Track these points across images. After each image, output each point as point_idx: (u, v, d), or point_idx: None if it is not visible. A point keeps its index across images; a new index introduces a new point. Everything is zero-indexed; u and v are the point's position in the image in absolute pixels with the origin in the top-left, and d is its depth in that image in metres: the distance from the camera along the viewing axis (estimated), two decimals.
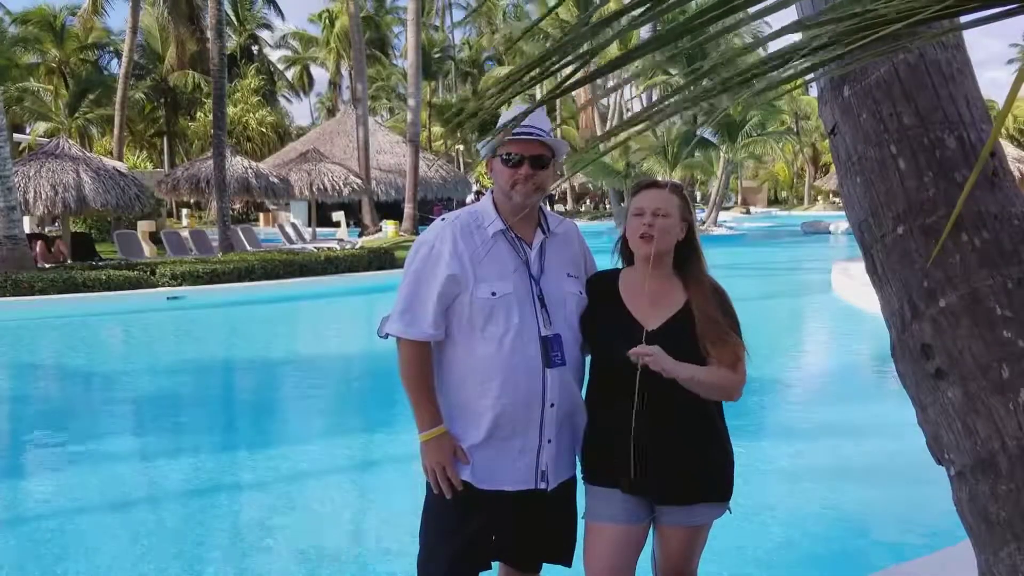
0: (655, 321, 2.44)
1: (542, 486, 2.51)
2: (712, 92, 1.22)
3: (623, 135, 1.27)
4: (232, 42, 44.37)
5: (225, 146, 20.02)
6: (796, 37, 1.25)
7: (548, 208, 2.73)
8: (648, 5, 1.23)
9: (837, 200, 48.29)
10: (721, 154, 34.21)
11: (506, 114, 2.70)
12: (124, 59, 32.49)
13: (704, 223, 34.61)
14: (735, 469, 2.52)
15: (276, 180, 25.50)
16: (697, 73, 1.26)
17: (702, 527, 2.50)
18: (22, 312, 13.35)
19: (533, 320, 2.47)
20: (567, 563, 2.66)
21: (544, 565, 2.71)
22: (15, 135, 31.96)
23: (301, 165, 28.88)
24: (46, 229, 23.50)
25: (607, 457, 2.48)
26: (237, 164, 23.94)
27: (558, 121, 50.69)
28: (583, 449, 2.57)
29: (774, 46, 1.28)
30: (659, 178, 2.87)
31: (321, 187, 28.04)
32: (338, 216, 29.98)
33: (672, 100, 1.27)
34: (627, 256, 2.59)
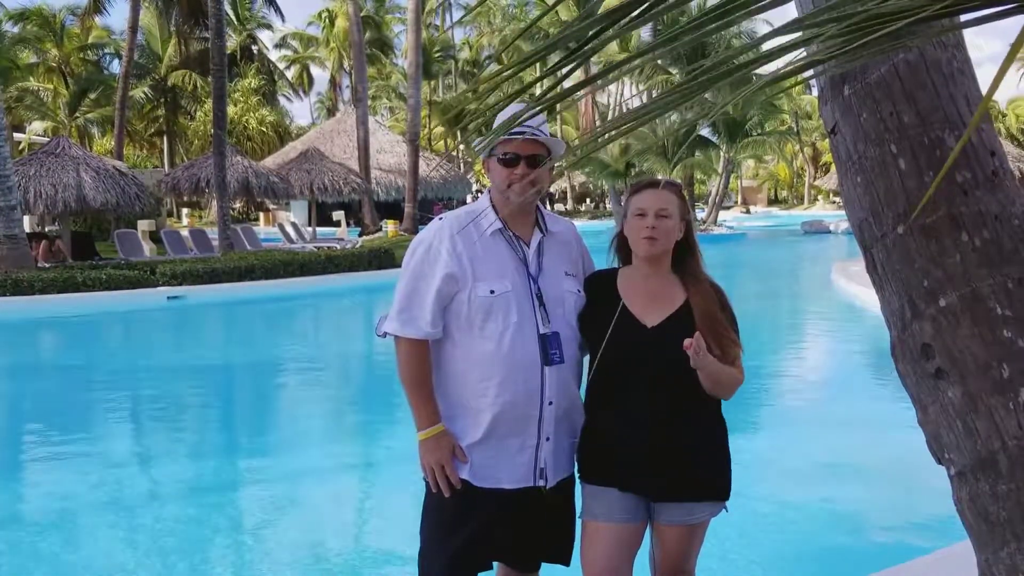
0: (655, 319, 2.45)
1: (540, 483, 2.51)
2: (710, 84, 1.21)
3: (624, 127, 1.26)
4: (232, 42, 44.32)
5: (225, 146, 20.00)
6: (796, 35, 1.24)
7: (547, 208, 2.73)
8: (647, 4, 1.23)
9: (837, 200, 48.29)
10: (721, 154, 34.20)
11: (503, 113, 2.69)
12: (124, 59, 32.44)
13: (704, 223, 34.60)
14: (733, 468, 2.52)
15: (276, 180, 25.49)
16: (697, 72, 1.25)
17: (699, 525, 2.51)
18: (22, 312, 13.35)
19: (532, 318, 2.47)
20: (566, 562, 2.66)
21: (543, 564, 2.71)
22: (15, 134, 31.96)
23: (301, 165, 28.87)
24: (46, 228, 23.47)
25: (605, 456, 2.49)
26: (237, 164, 23.93)
27: (557, 121, 50.70)
28: (580, 447, 2.57)
29: (774, 44, 1.27)
30: (659, 177, 2.86)
31: (321, 187, 28.04)
32: (338, 216, 29.97)
33: (670, 98, 1.27)
34: (623, 255, 2.60)
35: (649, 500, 2.48)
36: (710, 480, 2.47)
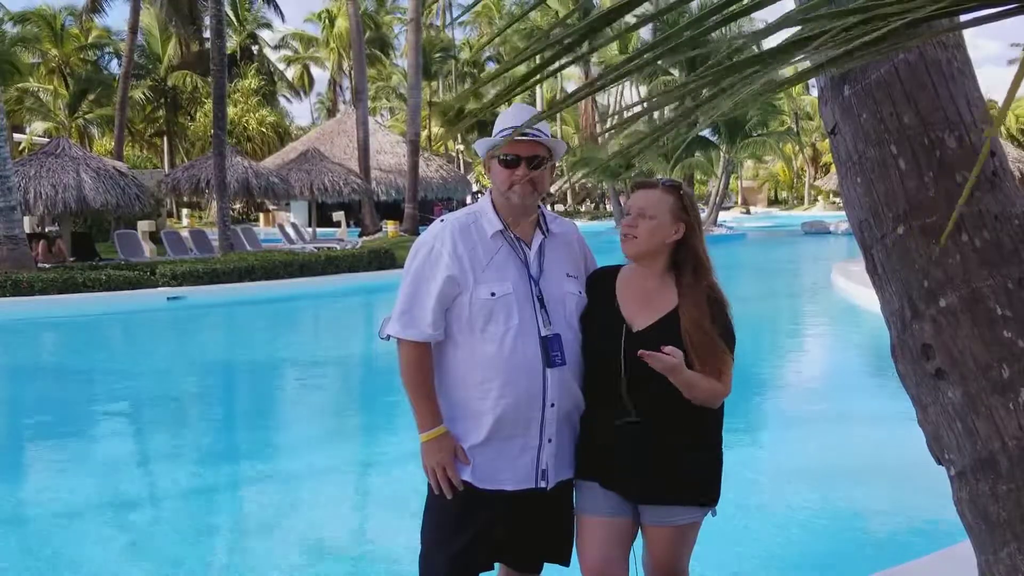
0: (643, 321, 2.44)
1: (542, 485, 2.51)
2: (710, 91, 1.21)
3: (640, 141, 1.27)
4: (232, 42, 44.32)
5: (225, 146, 20.01)
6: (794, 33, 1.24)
7: (548, 208, 2.73)
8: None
9: (837, 200, 48.26)
10: (721, 154, 34.19)
11: (504, 113, 2.70)
12: (124, 59, 32.44)
13: (704, 223, 34.56)
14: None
15: (276, 180, 25.51)
16: (700, 79, 1.25)
17: (688, 527, 2.48)
18: (22, 312, 13.35)
19: (533, 320, 2.47)
20: (565, 562, 2.66)
21: (543, 564, 2.72)
22: (15, 135, 31.95)
23: (301, 165, 28.89)
24: (46, 229, 23.48)
25: (590, 453, 2.50)
26: (237, 164, 23.94)
27: (557, 120, 50.68)
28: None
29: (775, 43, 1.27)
30: (658, 177, 2.85)
31: (321, 187, 28.06)
32: (338, 216, 29.98)
33: (675, 106, 1.27)
34: None
35: (631, 500, 2.48)
36: (691, 485, 2.44)
